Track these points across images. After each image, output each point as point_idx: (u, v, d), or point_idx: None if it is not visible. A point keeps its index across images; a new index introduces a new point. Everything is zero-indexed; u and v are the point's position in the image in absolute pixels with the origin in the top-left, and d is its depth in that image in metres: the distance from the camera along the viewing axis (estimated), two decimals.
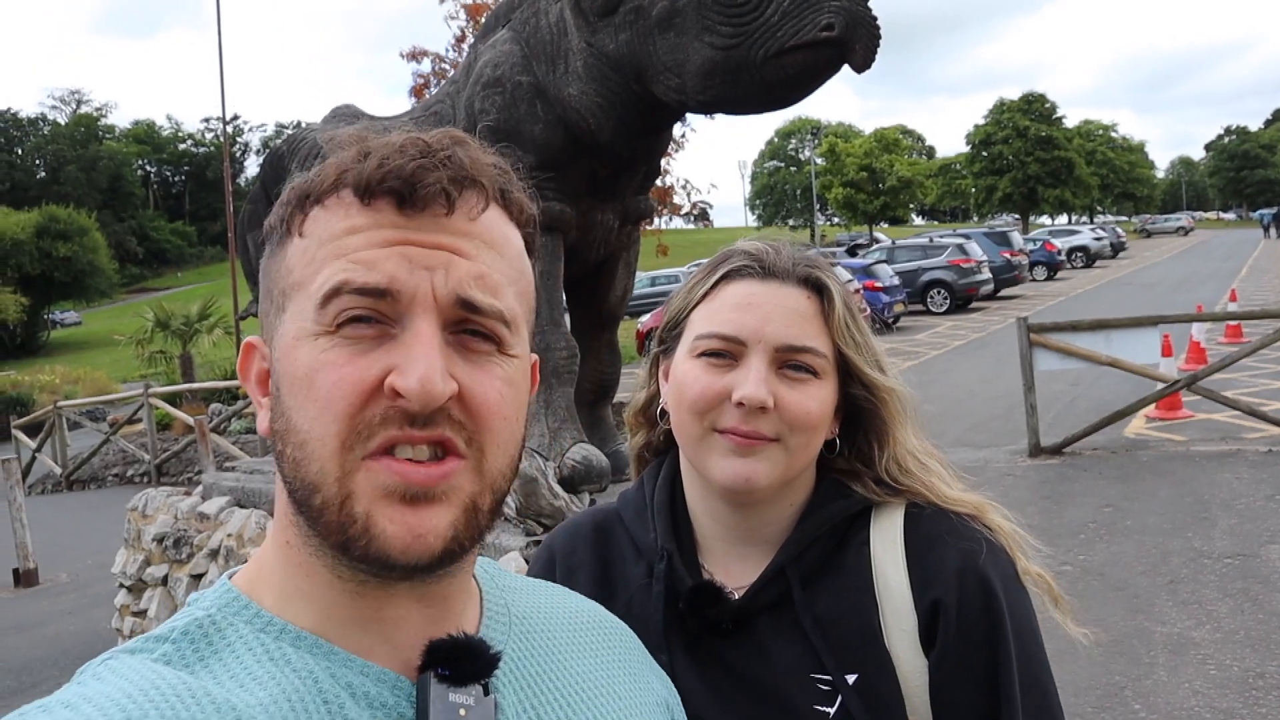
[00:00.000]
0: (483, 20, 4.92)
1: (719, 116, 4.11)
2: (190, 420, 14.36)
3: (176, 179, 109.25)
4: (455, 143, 0.76)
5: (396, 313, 0.72)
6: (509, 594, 0.90)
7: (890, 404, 1.23)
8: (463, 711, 0.72)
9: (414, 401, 0.69)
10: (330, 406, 0.70)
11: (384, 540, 0.69)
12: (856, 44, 3.43)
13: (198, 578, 5.58)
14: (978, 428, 11.05)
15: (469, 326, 0.74)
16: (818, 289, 1.20)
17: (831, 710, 1.10)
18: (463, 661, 0.73)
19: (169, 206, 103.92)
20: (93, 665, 0.71)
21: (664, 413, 1.28)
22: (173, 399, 17.32)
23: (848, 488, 1.23)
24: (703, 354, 1.18)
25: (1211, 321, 13.87)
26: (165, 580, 5.86)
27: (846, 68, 3.55)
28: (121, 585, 6.25)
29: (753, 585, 1.18)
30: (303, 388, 0.72)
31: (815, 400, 1.17)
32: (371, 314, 0.72)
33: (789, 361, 1.16)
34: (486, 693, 0.75)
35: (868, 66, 3.50)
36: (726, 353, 1.17)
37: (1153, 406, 10.22)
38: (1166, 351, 10.11)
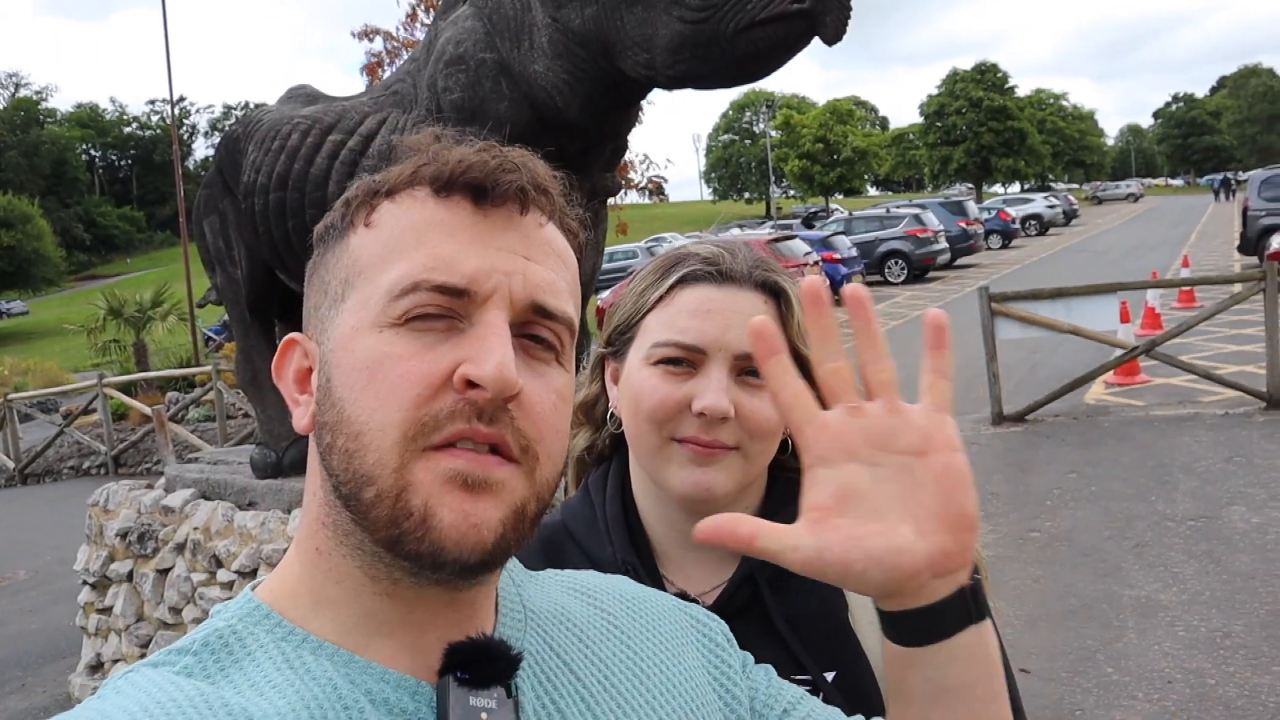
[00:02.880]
0: None
1: (676, 90, 4.06)
2: (147, 410, 14.13)
3: (123, 163, 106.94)
4: (527, 156, 0.78)
5: (468, 310, 0.71)
6: (524, 587, 0.88)
7: None
8: (484, 715, 0.71)
9: (488, 388, 0.68)
10: (394, 397, 0.69)
11: (440, 531, 0.68)
12: (827, 16, 3.38)
13: (164, 572, 5.47)
14: None
15: (533, 331, 0.74)
16: (774, 293, 1.19)
17: None
18: (483, 664, 0.72)
19: (116, 191, 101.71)
20: (114, 679, 0.71)
21: (612, 416, 1.26)
22: (128, 388, 16.98)
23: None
24: (660, 361, 1.16)
25: (1168, 288, 14.08)
26: (130, 576, 5.73)
27: (816, 40, 3.51)
28: (85, 582, 6.11)
29: (722, 592, 1.17)
30: (363, 379, 0.70)
31: (774, 407, 1.15)
32: (444, 311, 0.71)
33: (748, 369, 1.14)
34: (509, 694, 0.73)
35: (839, 39, 3.45)
36: (685, 360, 1.15)
37: (1112, 373, 10.38)
38: (1124, 318, 10.26)
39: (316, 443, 0.75)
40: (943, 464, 0.73)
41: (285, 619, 0.74)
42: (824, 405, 0.75)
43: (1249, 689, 4.23)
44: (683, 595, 1.14)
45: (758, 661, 1.11)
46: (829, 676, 1.11)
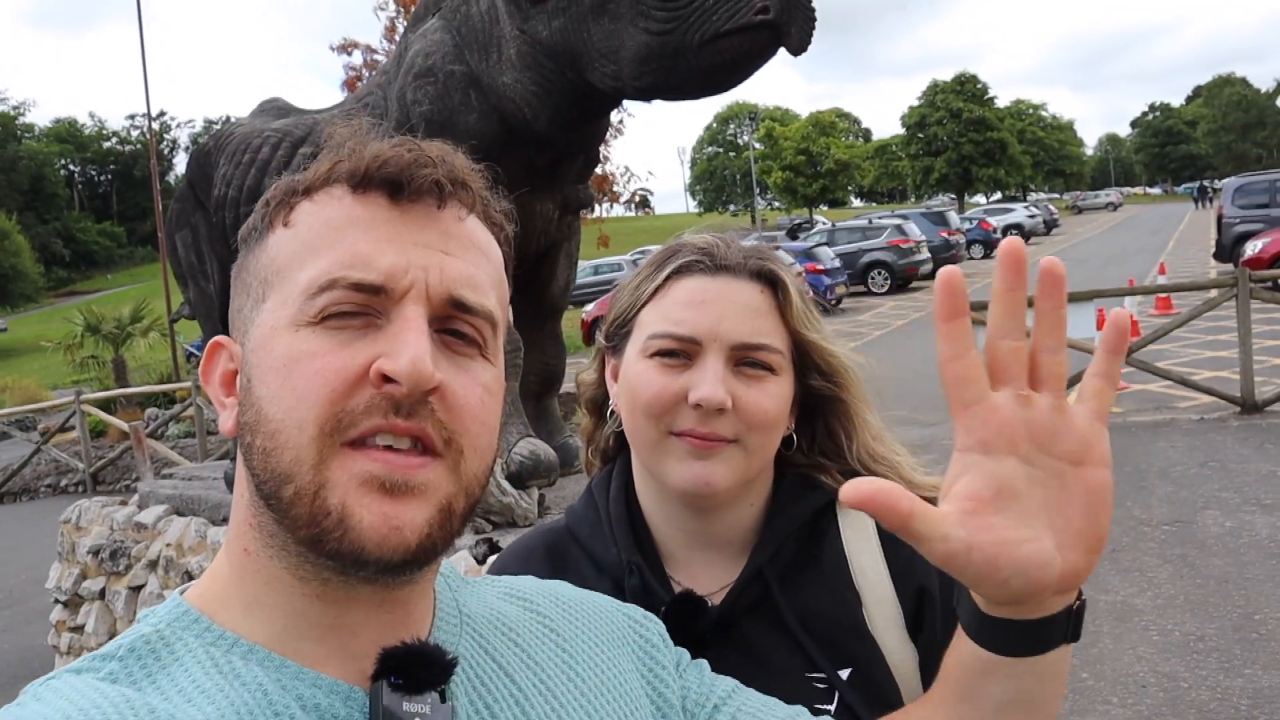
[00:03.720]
0: (412, 10, 4.83)
1: (657, 102, 4.07)
2: (125, 426, 14.00)
3: (102, 178, 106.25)
4: (447, 151, 0.78)
5: (385, 306, 0.71)
6: (460, 592, 0.87)
7: (852, 389, 1.21)
8: None
9: (403, 382, 0.67)
10: (310, 394, 0.68)
11: (359, 531, 0.67)
12: (792, 26, 3.40)
13: (137, 589, 5.42)
14: (922, 406, 11.18)
15: (454, 326, 0.73)
16: (770, 282, 1.17)
17: (831, 707, 1.08)
18: (417, 669, 0.71)
19: (96, 207, 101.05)
20: (35, 685, 0.69)
21: (613, 414, 1.24)
22: (106, 405, 16.86)
23: (814, 480, 1.21)
24: (655, 354, 1.14)
25: (1143, 295, 14.19)
26: (103, 594, 5.68)
27: (783, 51, 3.53)
28: (57, 600, 6.05)
29: (731, 590, 1.15)
30: (279, 377, 0.70)
31: (773, 398, 1.13)
32: (360, 308, 0.70)
33: (745, 359, 1.13)
34: (444, 700, 0.72)
35: (804, 49, 3.47)
36: (680, 352, 1.13)
37: None
38: (1101, 325, 10.33)
39: (239, 443, 0.74)
40: (1096, 479, 0.70)
41: (215, 623, 0.73)
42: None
43: (1221, 692, 4.25)
44: (689, 595, 1.13)
45: (769, 660, 1.10)
46: (843, 674, 1.09)
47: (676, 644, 1.07)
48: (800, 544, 1.17)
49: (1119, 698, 4.34)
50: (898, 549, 1.14)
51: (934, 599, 1.12)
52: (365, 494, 0.68)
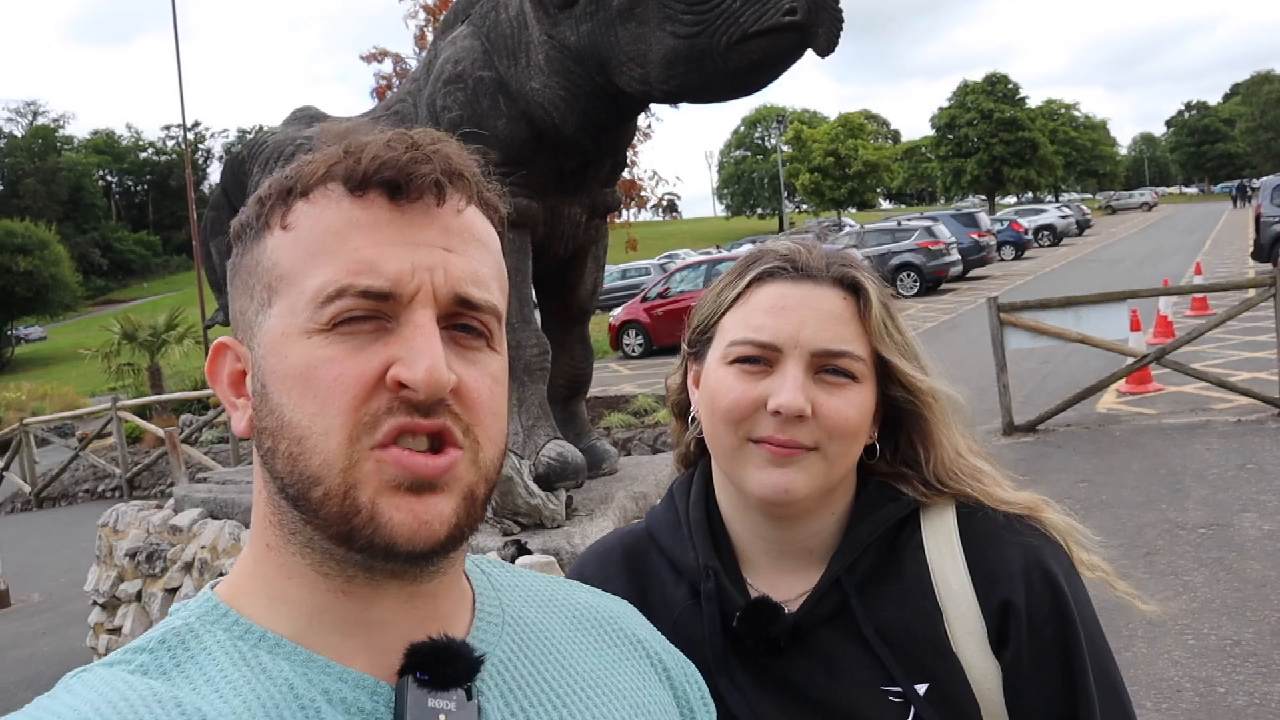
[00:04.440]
0: (442, 17, 4.87)
1: (684, 106, 4.08)
2: (161, 432, 14.19)
3: (139, 188, 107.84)
4: (439, 139, 0.77)
5: (394, 310, 0.72)
6: (505, 594, 0.88)
7: (934, 406, 1.19)
8: (442, 717, 0.71)
9: (420, 391, 0.70)
10: (333, 401, 0.70)
11: (390, 528, 0.70)
12: (819, 28, 3.39)
13: (172, 592, 5.50)
14: None
15: (462, 321, 0.75)
16: (854, 289, 1.15)
17: None
18: (443, 665, 0.72)
19: (132, 216, 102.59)
20: (68, 678, 0.71)
21: (694, 420, 1.25)
22: (142, 411, 17.10)
23: (895, 490, 1.19)
24: (735, 360, 1.13)
25: (1178, 295, 14.01)
26: (139, 596, 5.77)
27: (811, 52, 3.53)
28: (95, 603, 6.15)
29: (808, 598, 1.14)
30: (298, 384, 0.71)
31: (854, 406, 1.12)
32: (370, 312, 0.72)
33: (826, 366, 1.11)
34: (470, 697, 0.73)
35: (831, 50, 3.47)
36: (761, 359, 1.12)
37: (1123, 381, 10.31)
38: (1135, 326, 10.20)
39: (257, 446, 0.75)
40: None
41: (242, 616, 0.74)
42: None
43: (1258, 697, 4.19)
44: (765, 601, 1.12)
45: (844, 671, 1.10)
46: (921, 689, 1.07)
47: (751, 649, 1.09)
48: (880, 554, 1.15)
49: (1153, 702, 4.28)
50: (983, 561, 1.12)
51: (1019, 614, 1.08)
52: (393, 495, 0.70)
